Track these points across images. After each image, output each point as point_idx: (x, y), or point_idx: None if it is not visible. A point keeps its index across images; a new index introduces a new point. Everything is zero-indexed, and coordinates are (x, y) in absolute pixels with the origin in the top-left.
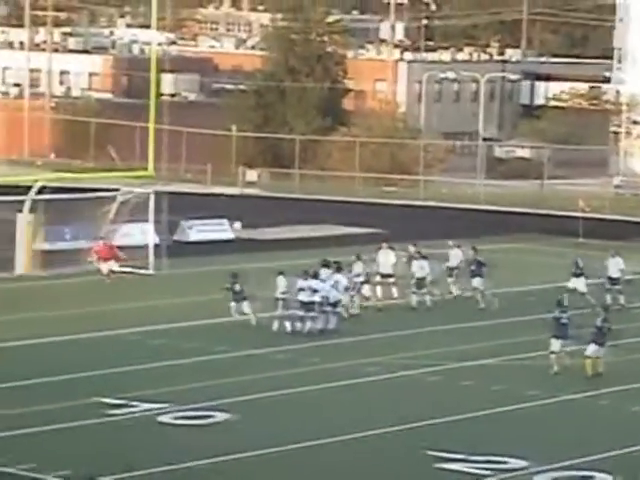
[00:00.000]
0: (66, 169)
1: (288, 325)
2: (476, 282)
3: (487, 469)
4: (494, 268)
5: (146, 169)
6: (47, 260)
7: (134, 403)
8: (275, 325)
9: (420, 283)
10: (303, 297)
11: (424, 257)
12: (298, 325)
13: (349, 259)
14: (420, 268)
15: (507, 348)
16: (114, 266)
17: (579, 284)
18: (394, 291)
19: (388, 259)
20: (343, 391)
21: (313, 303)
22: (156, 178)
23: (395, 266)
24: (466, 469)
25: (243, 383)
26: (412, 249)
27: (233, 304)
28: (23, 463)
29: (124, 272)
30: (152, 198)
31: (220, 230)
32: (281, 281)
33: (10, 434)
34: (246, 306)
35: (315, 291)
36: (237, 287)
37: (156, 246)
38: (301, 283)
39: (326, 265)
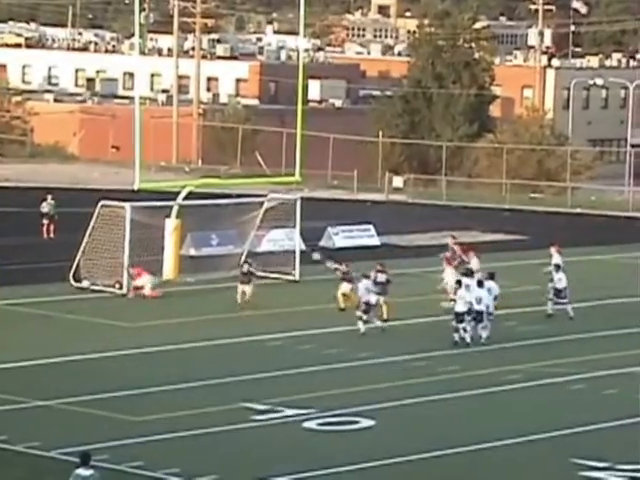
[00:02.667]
0: (213, 175)
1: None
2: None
3: (634, 478)
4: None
5: (293, 175)
6: (194, 266)
7: (279, 408)
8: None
9: (558, 294)
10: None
11: (560, 268)
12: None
13: (493, 265)
14: (559, 280)
15: None
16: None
17: None
18: None
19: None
20: (485, 399)
21: (482, 312)
22: (303, 184)
23: None
24: (612, 478)
25: (384, 390)
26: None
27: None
28: (168, 467)
29: (270, 278)
30: (299, 204)
31: (366, 236)
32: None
33: (155, 438)
34: (248, 289)
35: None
36: (245, 268)
37: (302, 252)
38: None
39: (466, 274)
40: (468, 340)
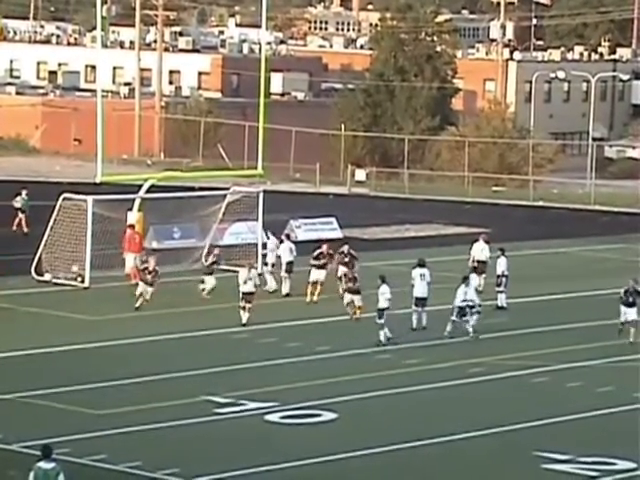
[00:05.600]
0: (176, 168)
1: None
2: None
3: (595, 470)
4: (603, 269)
5: (255, 168)
6: (156, 259)
7: (242, 402)
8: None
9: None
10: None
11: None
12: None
13: (454, 259)
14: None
15: (614, 349)
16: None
17: None
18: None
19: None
20: (448, 392)
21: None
22: (265, 177)
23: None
24: (574, 470)
25: (347, 383)
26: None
27: None
28: (130, 461)
29: (231, 271)
30: (261, 197)
31: (329, 229)
32: None
33: (117, 432)
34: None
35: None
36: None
37: (265, 245)
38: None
39: (422, 265)
40: (389, 335)
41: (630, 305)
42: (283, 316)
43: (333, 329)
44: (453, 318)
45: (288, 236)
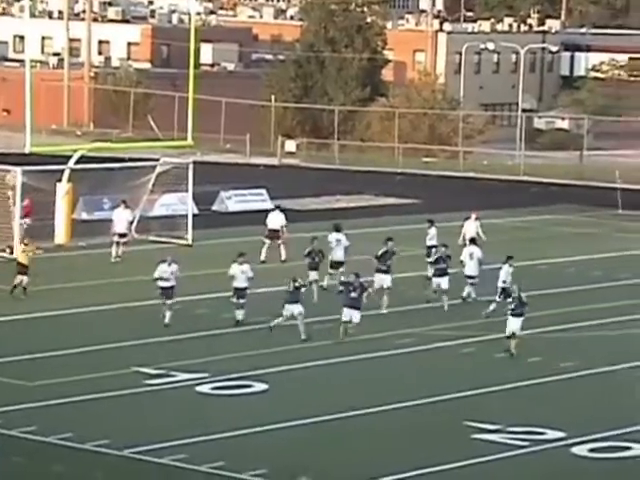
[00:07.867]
0: (105, 139)
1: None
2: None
3: (524, 440)
4: (533, 240)
5: (185, 139)
6: (85, 230)
7: (173, 373)
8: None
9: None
10: None
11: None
12: None
13: (387, 230)
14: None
15: (542, 320)
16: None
17: None
18: None
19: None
20: (378, 362)
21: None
22: (195, 148)
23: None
24: (504, 440)
25: (280, 354)
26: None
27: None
28: (61, 433)
29: (163, 242)
30: (191, 168)
31: (259, 200)
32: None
33: (48, 403)
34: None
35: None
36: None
37: (195, 216)
38: None
39: (338, 229)
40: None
41: (517, 315)
42: (218, 287)
43: (268, 300)
44: (497, 299)
45: (278, 206)
